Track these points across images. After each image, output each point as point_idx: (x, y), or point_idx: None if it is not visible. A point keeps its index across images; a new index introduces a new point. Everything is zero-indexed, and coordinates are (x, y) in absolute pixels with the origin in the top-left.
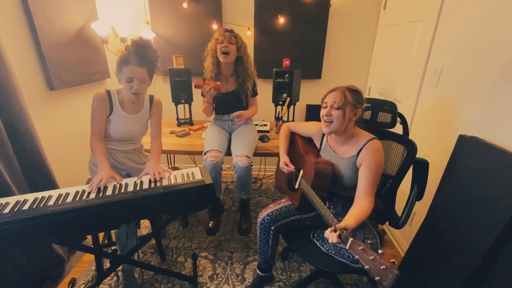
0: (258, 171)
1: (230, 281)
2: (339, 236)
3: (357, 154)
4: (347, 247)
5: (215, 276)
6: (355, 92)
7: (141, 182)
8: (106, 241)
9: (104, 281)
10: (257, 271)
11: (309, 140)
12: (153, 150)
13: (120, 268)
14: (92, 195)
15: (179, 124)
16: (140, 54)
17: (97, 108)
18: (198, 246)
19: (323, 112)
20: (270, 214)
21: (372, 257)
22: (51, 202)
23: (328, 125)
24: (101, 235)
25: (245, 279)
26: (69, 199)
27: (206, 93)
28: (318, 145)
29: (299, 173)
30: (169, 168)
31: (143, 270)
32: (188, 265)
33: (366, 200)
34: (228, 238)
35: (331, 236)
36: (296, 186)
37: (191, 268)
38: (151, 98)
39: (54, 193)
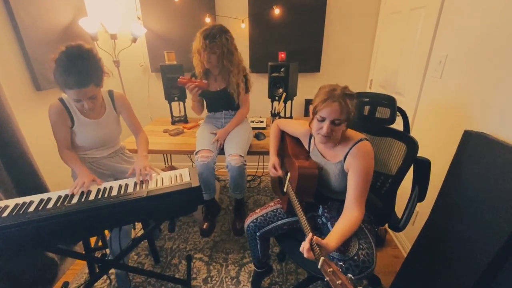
0: (256, 168)
1: (224, 284)
2: (312, 252)
3: (344, 159)
4: (318, 266)
5: (209, 279)
6: (353, 97)
7: (126, 186)
8: (100, 243)
9: (97, 284)
10: (254, 267)
11: (299, 140)
12: (138, 145)
13: (113, 271)
14: (74, 200)
15: (173, 122)
16: (79, 73)
17: (56, 122)
18: (193, 248)
19: (319, 125)
20: (254, 220)
21: (340, 281)
22: (31, 208)
23: (327, 140)
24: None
25: (240, 282)
26: (51, 204)
27: (190, 91)
28: (306, 147)
29: (287, 176)
30: (165, 167)
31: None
32: (182, 267)
33: (355, 210)
34: (224, 238)
35: (304, 251)
36: (285, 190)
37: (185, 271)
38: (111, 94)
39: (36, 198)
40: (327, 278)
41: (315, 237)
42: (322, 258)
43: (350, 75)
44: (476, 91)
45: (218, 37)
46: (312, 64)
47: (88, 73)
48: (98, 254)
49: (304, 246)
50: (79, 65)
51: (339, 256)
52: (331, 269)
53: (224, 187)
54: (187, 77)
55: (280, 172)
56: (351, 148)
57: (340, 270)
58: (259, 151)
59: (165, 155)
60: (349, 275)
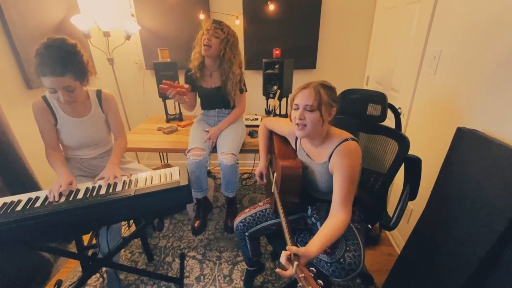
0: (252, 166)
1: (217, 282)
2: (288, 260)
3: (329, 159)
4: (293, 272)
5: (202, 277)
6: (329, 89)
7: (115, 184)
8: (94, 241)
9: (90, 282)
10: (246, 266)
11: (287, 139)
12: (113, 150)
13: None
14: (62, 199)
15: (168, 120)
16: (54, 61)
17: (40, 120)
18: (187, 246)
19: (294, 114)
20: (243, 220)
21: (310, 287)
22: (19, 208)
23: (302, 128)
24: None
25: (233, 280)
26: (38, 203)
27: (172, 97)
28: (293, 146)
29: (273, 176)
30: (161, 165)
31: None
32: (175, 266)
33: (341, 213)
34: (218, 236)
35: (283, 260)
36: (272, 190)
37: (179, 269)
38: (99, 94)
39: (24, 198)
40: (300, 284)
41: (293, 247)
42: (295, 263)
43: (346, 71)
44: (470, 88)
45: (226, 27)
46: (308, 60)
47: (65, 63)
48: (92, 252)
49: (282, 256)
50: (57, 54)
51: (326, 258)
52: (303, 274)
53: (220, 185)
54: (169, 81)
55: (264, 182)
56: (335, 148)
57: (312, 275)
58: (253, 149)
59: (161, 153)
60: (320, 281)
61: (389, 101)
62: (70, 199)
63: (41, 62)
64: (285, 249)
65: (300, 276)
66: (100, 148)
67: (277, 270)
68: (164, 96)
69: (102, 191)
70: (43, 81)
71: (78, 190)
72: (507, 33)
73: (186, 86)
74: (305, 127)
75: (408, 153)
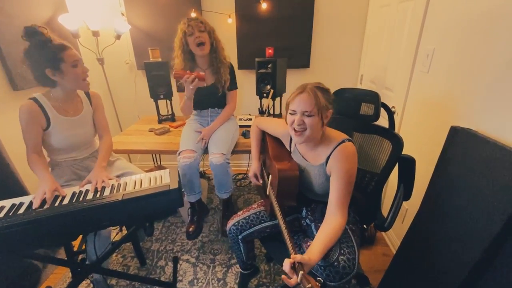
0: (247, 167)
1: (211, 286)
2: (293, 268)
3: (326, 162)
4: (298, 280)
5: (195, 281)
6: (325, 92)
7: (103, 188)
8: (84, 247)
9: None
10: (240, 269)
11: (281, 140)
12: (99, 152)
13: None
14: (47, 205)
15: (160, 121)
16: (55, 38)
17: (28, 122)
18: (180, 249)
19: (291, 119)
20: (236, 223)
21: None
22: (1, 214)
23: (300, 134)
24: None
25: (227, 283)
26: (22, 210)
27: (189, 84)
28: (288, 148)
29: (268, 179)
30: (154, 167)
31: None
32: (168, 270)
33: (338, 216)
34: (213, 239)
35: (287, 270)
36: (267, 193)
37: (172, 273)
38: (87, 92)
39: (7, 204)
40: None
41: (298, 255)
42: (301, 273)
43: (340, 70)
44: (463, 86)
45: (201, 18)
46: (301, 59)
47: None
48: (82, 257)
49: (285, 264)
50: (48, 34)
51: (320, 262)
52: (310, 285)
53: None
54: (181, 71)
55: (260, 182)
56: (333, 150)
57: (319, 285)
58: (247, 150)
59: (153, 154)
60: None
61: (383, 100)
62: (56, 204)
63: (52, 41)
64: (282, 253)
65: (308, 286)
66: (90, 147)
67: (283, 277)
68: (156, 97)
69: (89, 196)
70: (65, 58)
71: (64, 196)
72: (501, 31)
73: (202, 73)
74: (304, 133)
75: (402, 152)
